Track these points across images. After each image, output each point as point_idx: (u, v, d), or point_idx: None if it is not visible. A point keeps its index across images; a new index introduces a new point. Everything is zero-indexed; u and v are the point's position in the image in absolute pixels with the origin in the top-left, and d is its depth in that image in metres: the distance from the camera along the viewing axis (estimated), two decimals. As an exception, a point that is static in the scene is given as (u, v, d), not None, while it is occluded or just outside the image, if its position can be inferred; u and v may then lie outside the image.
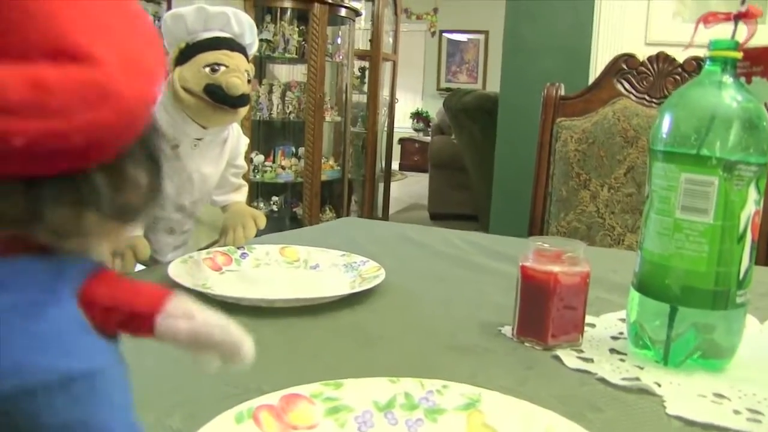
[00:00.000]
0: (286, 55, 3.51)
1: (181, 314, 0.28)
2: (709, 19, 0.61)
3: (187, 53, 0.89)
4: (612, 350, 0.66)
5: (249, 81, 0.91)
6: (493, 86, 4.33)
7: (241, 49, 0.91)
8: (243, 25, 0.92)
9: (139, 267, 0.92)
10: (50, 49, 0.23)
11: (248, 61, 0.92)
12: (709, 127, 0.58)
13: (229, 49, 0.89)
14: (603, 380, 0.58)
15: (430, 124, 7.66)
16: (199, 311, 0.28)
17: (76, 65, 0.23)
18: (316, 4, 3.43)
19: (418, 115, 8.79)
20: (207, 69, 0.87)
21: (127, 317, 0.28)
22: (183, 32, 0.90)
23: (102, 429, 0.26)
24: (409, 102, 8.69)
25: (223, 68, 0.87)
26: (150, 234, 0.93)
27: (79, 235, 0.26)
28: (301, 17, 3.52)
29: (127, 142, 0.26)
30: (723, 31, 0.62)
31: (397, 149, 7.04)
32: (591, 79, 2.23)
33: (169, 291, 0.29)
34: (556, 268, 0.65)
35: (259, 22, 3.36)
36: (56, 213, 0.25)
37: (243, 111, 0.91)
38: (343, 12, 3.71)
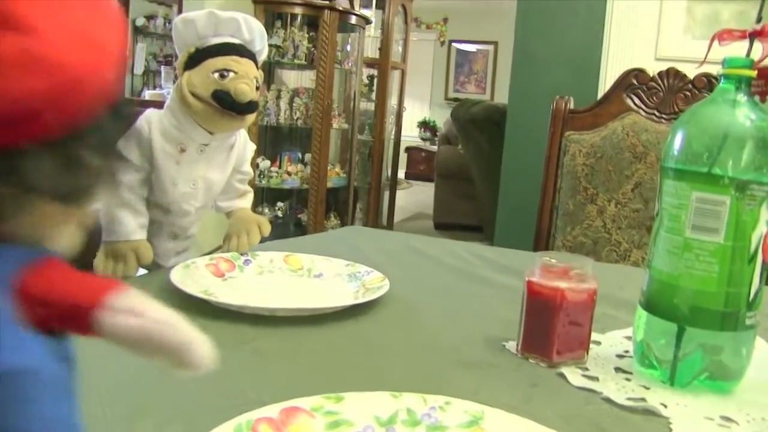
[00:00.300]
0: (295, 61, 3.52)
1: (128, 309, 0.25)
2: (724, 36, 0.60)
3: (196, 58, 0.89)
4: (617, 369, 0.65)
5: (258, 88, 0.91)
6: (502, 97, 4.33)
7: (250, 55, 0.91)
8: (253, 32, 0.92)
9: (142, 271, 0.92)
10: None
11: (258, 68, 0.92)
12: (722, 145, 0.57)
13: (238, 55, 0.89)
14: (608, 400, 0.58)
15: (437, 133, 7.67)
16: (150, 308, 0.26)
17: (15, 34, 0.23)
18: (327, 11, 3.44)
19: (425, 125, 8.80)
20: (216, 74, 0.87)
21: (67, 311, 0.25)
22: (193, 37, 0.90)
23: None
24: (417, 111, 8.69)
25: (232, 74, 0.87)
26: (153, 239, 0.93)
27: (18, 217, 0.24)
28: (311, 23, 3.53)
29: (73, 118, 0.25)
30: (735, 48, 0.61)
31: (403, 158, 7.04)
32: (600, 94, 2.23)
33: (117, 283, 0.26)
34: (563, 284, 0.64)
35: (269, 28, 3.37)
36: None
37: (250, 118, 0.91)
38: (353, 19, 3.72)
